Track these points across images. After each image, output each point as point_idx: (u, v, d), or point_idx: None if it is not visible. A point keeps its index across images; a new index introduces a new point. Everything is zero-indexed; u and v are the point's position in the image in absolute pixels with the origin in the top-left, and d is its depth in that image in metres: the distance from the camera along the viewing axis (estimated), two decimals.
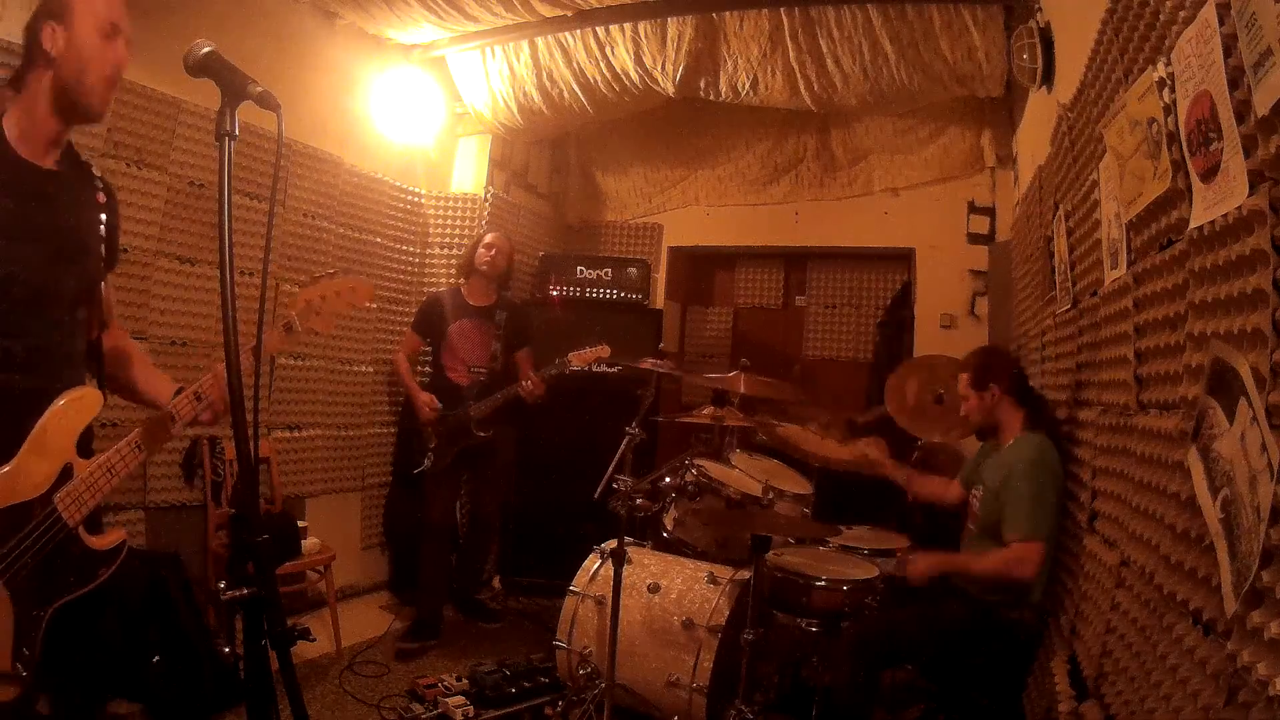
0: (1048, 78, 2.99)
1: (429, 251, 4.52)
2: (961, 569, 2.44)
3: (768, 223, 5.09)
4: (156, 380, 1.74)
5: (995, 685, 2.38)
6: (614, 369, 3.65)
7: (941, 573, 2.45)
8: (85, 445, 1.53)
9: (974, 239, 4.50)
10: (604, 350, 3.43)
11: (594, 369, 3.60)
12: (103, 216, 1.62)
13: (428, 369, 3.97)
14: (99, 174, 1.65)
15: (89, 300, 1.59)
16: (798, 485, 3.18)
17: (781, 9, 3.63)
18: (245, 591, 1.28)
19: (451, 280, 4.45)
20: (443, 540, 3.76)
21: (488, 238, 3.78)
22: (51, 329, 1.50)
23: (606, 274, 4.65)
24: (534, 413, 3.81)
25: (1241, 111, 1.17)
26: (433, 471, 3.61)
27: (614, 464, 2.67)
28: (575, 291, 4.63)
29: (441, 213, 4.56)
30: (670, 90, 4.06)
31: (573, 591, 2.82)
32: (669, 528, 3.01)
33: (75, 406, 1.49)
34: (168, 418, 1.60)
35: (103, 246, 1.62)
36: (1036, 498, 2.28)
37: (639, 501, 2.67)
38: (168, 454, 3.16)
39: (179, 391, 1.63)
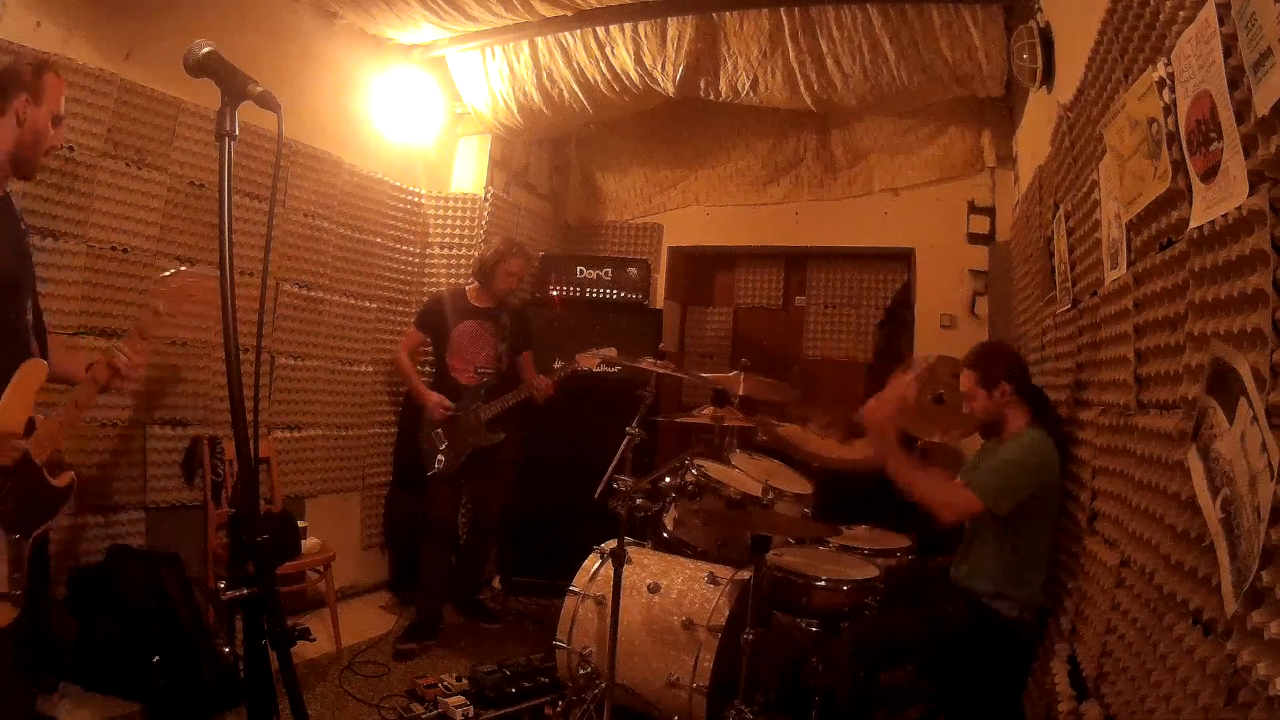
0: (1048, 78, 2.99)
1: (429, 251, 4.51)
2: (904, 473, 2.38)
3: (768, 223, 5.08)
4: (72, 359, 2.13)
5: (995, 685, 2.38)
6: (614, 369, 3.66)
7: (886, 455, 2.41)
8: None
9: (974, 239, 4.50)
10: (611, 352, 3.44)
11: (594, 369, 3.61)
12: (27, 239, 2.04)
13: (428, 368, 3.97)
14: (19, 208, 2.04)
15: (34, 296, 1.99)
16: (798, 485, 3.18)
17: (781, 9, 3.63)
18: (245, 591, 1.28)
19: (452, 280, 4.46)
20: (444, 541, 3.76)
21: (513, 263, 3.70)
22: (19, 313, 1.91)
23: (606, 274, 4.65)
24: (534, 413, 3.81)
25: (1241, 111, 1.17)
26: (445, 473, 3.61)
27: (614, 464, 2.67)
28: (575, 291, 4.63)
29: (441, 213, 4.56)
30: (670, 90, 4.06)
31: (573, 591, 2.82)
32: (669, 528, 3.01)
33: (35, 369, 1.88)
34: (90, 380, 2.00)
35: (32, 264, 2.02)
36: (1012, 475, 2.27)
37: (639, 501, 2.66)
38: (168, 454, 3.16)
39: (90, 366, 2.03)
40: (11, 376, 1.83)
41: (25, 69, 1.87)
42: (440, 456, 3.61)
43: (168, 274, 2.21)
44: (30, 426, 1.85)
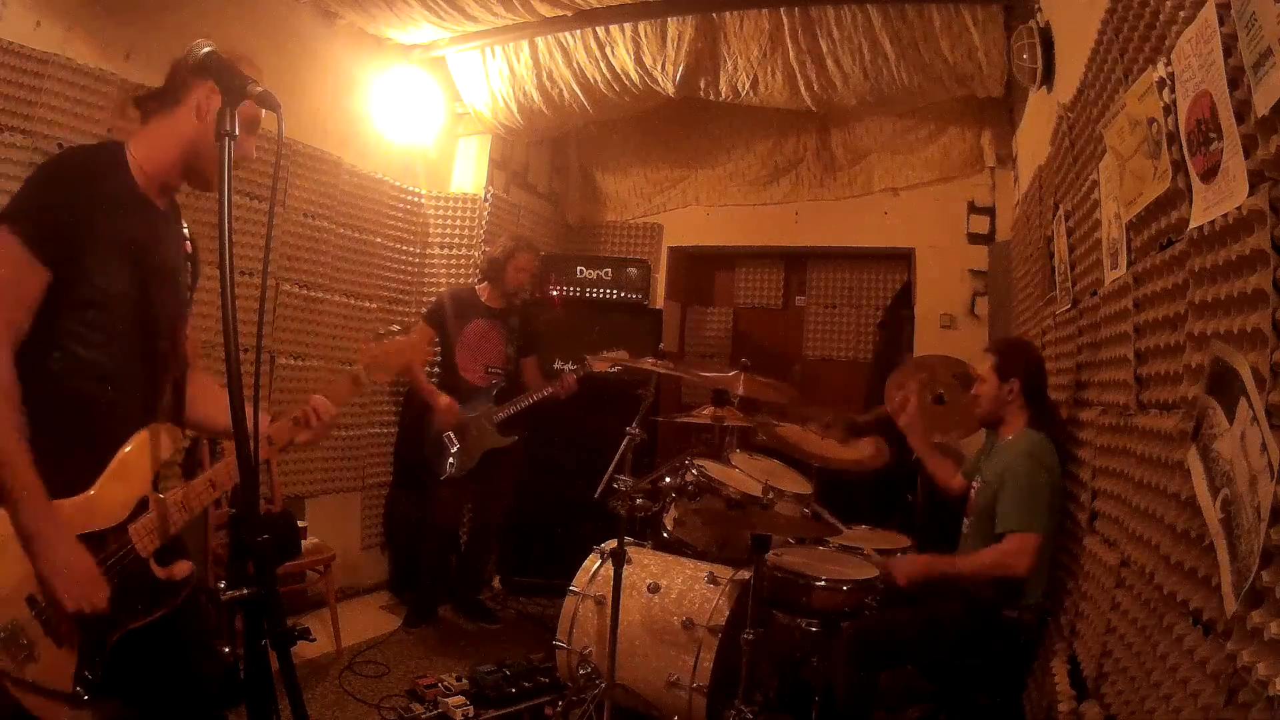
0: (1048, 78, 2.99)
1: (429, 251, 4.51)
2: (950, 570, 2.39)
3: (768, 223, 5.08)
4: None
5: (995, 685, 2.38)
6: (614, 369, 3.67)
7: (928, 577, 2.40)
8: (156, 480, 1.56)
9: (974, 239, 4.50)
10: (624, 354, 3.44)
11: (607, 370, 3.62)
12: (188, 264, 1.66)
13: (435, 368, 3.96)
14: (187, 225, 1.68)
15: (177, 337, 1.61)
16: (798, 485, 3.17)
17: (781, 9, 3.63)
18: (245, 591, 1.28)
19: (453, 280, 4.46)
20: (445, 544, 3.78)
21: (524, 259, 3.72)
22: (144, 357, 1.52)
23: (606, 274, 4.65)
24: (534, 413, 3.81)
25: (1241, 111, 1.17)
26: (457, 477, 3.61)
27: (614, 464, 2.67)
28: (575, 291, 4.63)
29: (441, 213, 4.56)
30: (670, 90, 4.06)
31: (573, 591, 2.82)
32: (669, 528, 3.01)
33: (158, 440, 1.52)
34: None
35: (189, 292, 1.67)
36: (1031, 492, 2.27)
37: (639, 501, 2.66)
38: None
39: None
40: (126, 439, 1.46)
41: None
42: (451, 459, 3.60)
43: (382, 334, 1.99)
44: (143, 506, 1.49)
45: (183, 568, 1.58)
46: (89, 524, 1.40)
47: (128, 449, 1.46)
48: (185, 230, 1.66)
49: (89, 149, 1.62)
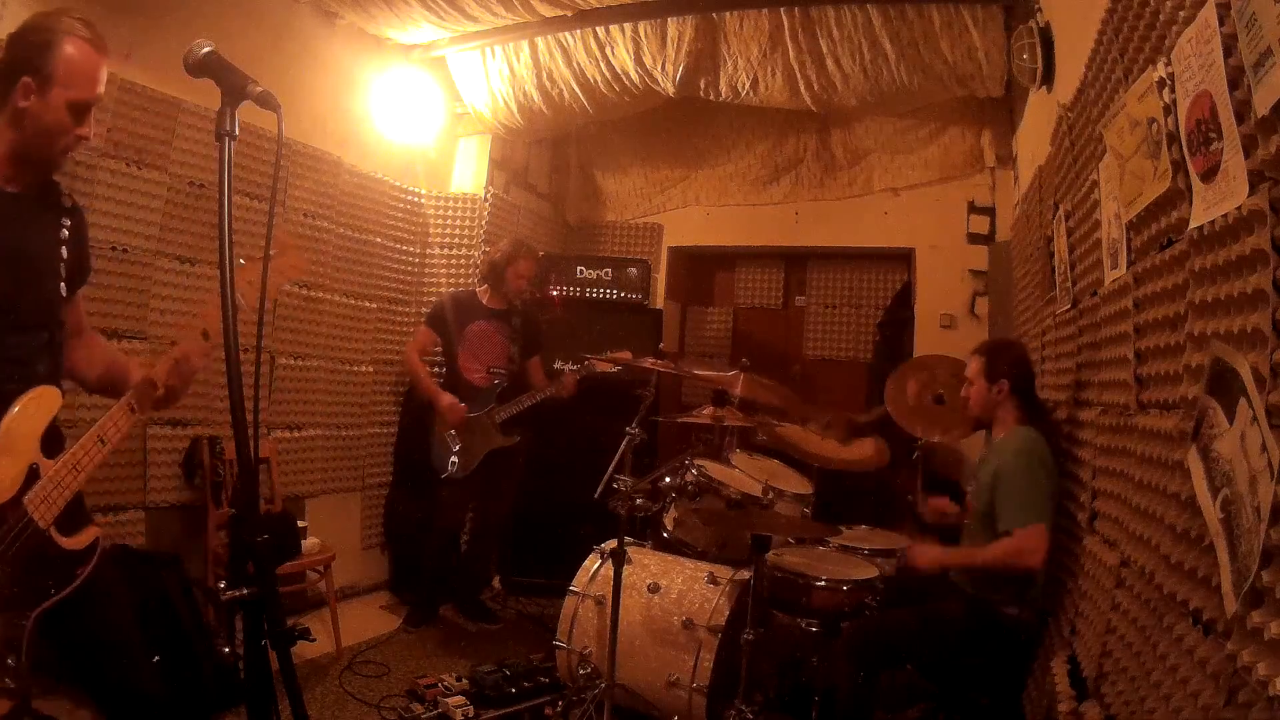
0: (1048, 78, 2.99)
1: (429, 252, 4.51)
2: (967, 561, 2.42)
3: (768, 223, 5.09)
4: (129, 372, 1.74)
5: (995, 685, 2.38)
6: (614, 369, 3.67)
7: (946, 566, 2.43)
8: (54, 445, 1.51)
9: (974, 239, 4.49)
10: (627, 355, 3.44)
11: (610, 370, 3.63)
12: (64, 234, 1.61)
13: (437, 368, 3.96)
14: (66, 192, 1.64)
15: (49, 321, 1.58)
16: (798, 485, 3.18)
17: (781, 9, 3.64)
18: (245, 591, 1.28)
19: (453, 280, 4.46)
20: (447, 544, 3.78)
21: (523, 265, 3.71)
22: (11, 348, 1.49)
23: (606, 274, 4.65)
24: (535, 413, 3.81)
25: (1241, 111, 1.17)
26: (459, 477, 3.61)
27: (614, 464, 2.67)
28: (575, 291, 4.63)
29: (441, 213, 4.56)
30: (670, 90, 4.06)
31: (573, 591, 2.82)
32: (669, 528, 3.01)
33: (33, 407, 1.47)
34: (126, 406, 1.59)
35: (63, 266, 1.61)
36: (1027, 486, 2.27)
37: (639, 501, 2.67)
38: (168, 454, 3.16)
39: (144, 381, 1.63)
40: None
41: (32, 45, 1.45)
42: (454, 459, 3.60)
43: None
44: (33, 475, 1.43)
45: (89, 534, 1.54)
46: None
47: (4, 423, 1.40)
48: (67, 203, 1.62)
49: None
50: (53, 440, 1.51)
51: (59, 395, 1.54)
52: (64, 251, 1.61)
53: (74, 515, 1.51)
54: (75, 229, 1.63)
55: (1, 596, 1.36)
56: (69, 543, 1.49)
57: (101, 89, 1.55)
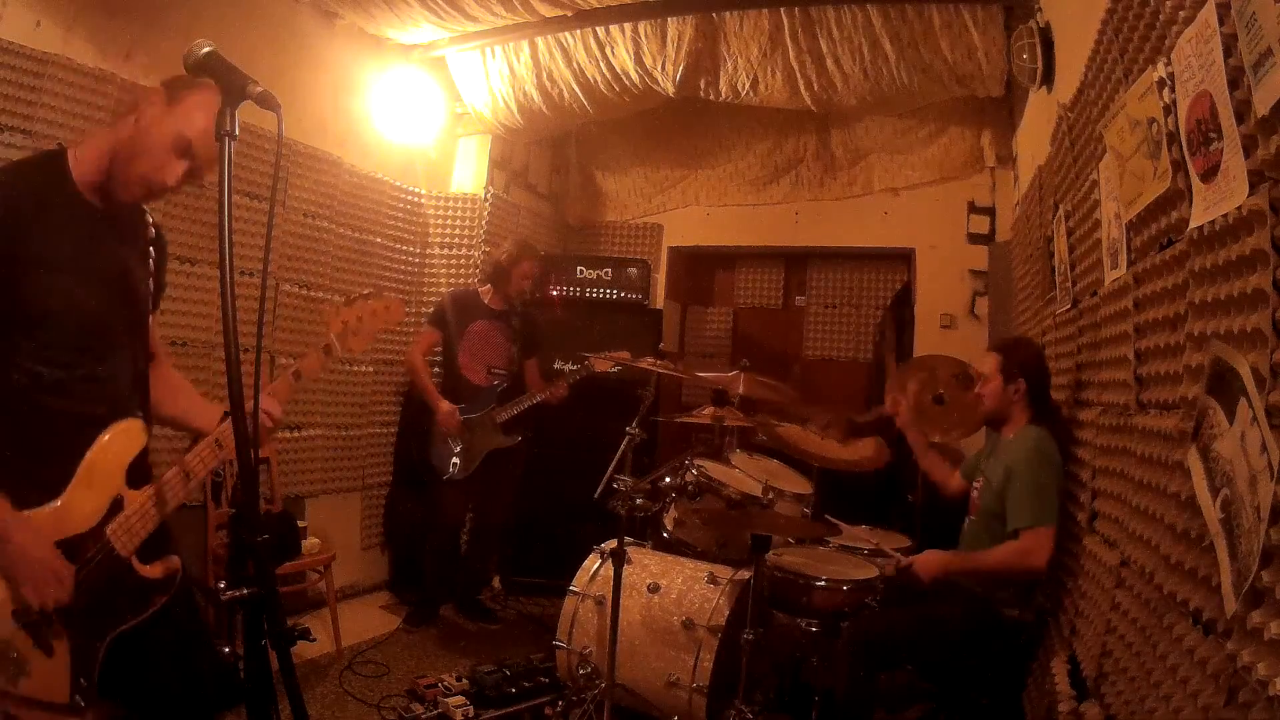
0: (1048, 78, 2.99)
1: (429, 251, 4.51)
2: (971, 566, 2.40)
3: (768, 223, 5.09)
4: (202, 409, 1.78)
5: (995, 685, 2.38)
6: (614, 369, 3.67)
7: (949, 573, 2.41)
8: (139, 476, 1.54)
9: (974, 239, 4.50)
10: (625, 355, 3.44)
11: (608, 371, 3.63)
12: (151, 252, 1.65)
13: (438, 368, 3.96)
14: (151, 217, 1.67)
15: (137, 336, 1.61)
16: (798, 485, 3.17)
17: (781, 9, 3.64)
18: (245, 591, 1.28)
19: (453, 281, 4.46)
20: (448, 544, 3.78)
21: (527, 266, 3.72)
22: (101, 362, 1.51)
23: (606, 274, 4.65)
24: (535, 413, 3.81)
25: (1241, 111, 1.17)
26: (459, 478, 3.61)
27: (614, 464, 2.67)
28: (575, 291, 4.63)
29: (441, 213, 4.56)
30: (670, 90, 4.06)
31: (573, 591, 2.82)
32: (669, 528, 3.01)
33: (121, 439, 1.50)
34: (213, 443, 1.61)
35: (150, 284, 1.65)
36: (1040, 486, 2.27)
37: (639, 501, 2.66)
38: (168, 454, 3.16)
39: (225, 416, 1.62)
40: (88, 445, 1.44)
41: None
42: (455, 460, 3.60)
43: (354, 298, 1.86)
44: (117, 506, 1.48)
45: (168, 564, 1.57)
46: (62, 531, 1.40)
47: (92, 454, 1.45)
48: (150, 226, 1.65)
49: (19, 164, 1.57)
50: (138, 471, 1.54)
51: (145, 430, 1.56)
52: (151, 270, 1.65)
53: (157, 545, 1.55)
54: (159, 249, 1.68)
55: (79, 620, 1.40)
56: (148, 571, 1.53)
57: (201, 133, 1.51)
